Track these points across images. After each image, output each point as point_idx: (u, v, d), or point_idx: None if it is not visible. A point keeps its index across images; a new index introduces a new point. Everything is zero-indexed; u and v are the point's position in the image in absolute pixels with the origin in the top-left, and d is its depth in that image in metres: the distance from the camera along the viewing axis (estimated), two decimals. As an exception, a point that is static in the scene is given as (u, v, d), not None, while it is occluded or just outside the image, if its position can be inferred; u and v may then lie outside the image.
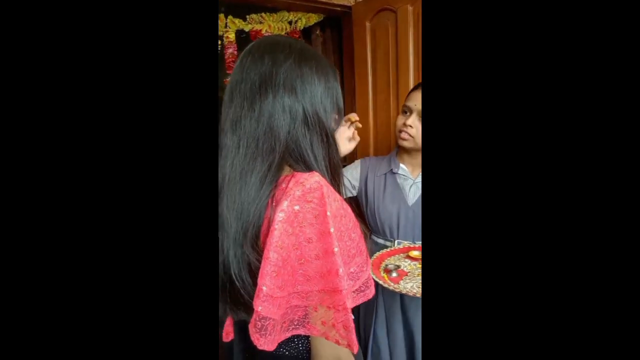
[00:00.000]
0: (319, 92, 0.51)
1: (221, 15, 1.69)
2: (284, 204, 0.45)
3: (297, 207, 0.45)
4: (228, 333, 0.62)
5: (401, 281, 0.85)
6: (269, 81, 0.49)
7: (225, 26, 1.69)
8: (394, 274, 0.87)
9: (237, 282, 0.48)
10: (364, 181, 1.15)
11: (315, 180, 0.46)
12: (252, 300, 0.46)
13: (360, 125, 0.91)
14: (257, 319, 0.45)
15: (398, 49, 1.40)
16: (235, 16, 1.69)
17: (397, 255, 1.00)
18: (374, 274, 0.85)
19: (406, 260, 0.96)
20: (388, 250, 1.01)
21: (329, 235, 0.45)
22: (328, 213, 0.45)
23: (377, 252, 1.00)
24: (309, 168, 0.50)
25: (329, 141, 0.52)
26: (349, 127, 0.90)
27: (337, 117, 0.57)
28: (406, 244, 1.04)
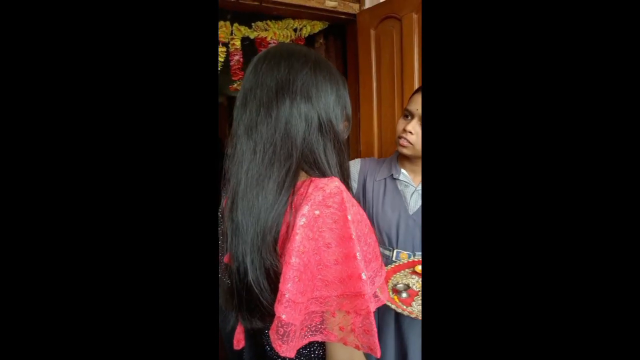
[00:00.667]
0: (331, 100, 0.52)
1: (227, 23, 1.70)
2: (305, 209, 0.45)
3: (317, 212, 0.45)
4: (239, 341, 0.62)
5: (413, 302, 0.79)
6: (286, 87, 0.49)
7: (231, 33, 1.71)
8: (404, 295, 0.81)
9: (255, 289, 0.48)
10: (362, 184, 1.12)
11: (335, 185, 0.46)
12: (271, 306, 0.46)
13: None
14: (280, 325, 0.44)
15: (403, 57, 1.41)
16: (240, 24, 1.71)
17: (403, 272, 0.93)
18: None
19: (413, 276, 0.90)
20: (393, 266, 0.96)
21: (350, 240, 0.45)
22: (349, 217, 0.45)
23: None
24: (323, 174, 0.50)
25: (341, 147, 0.53)
26: None
27: (346, 124, 0.57)
28: (405, 254, 1.00)
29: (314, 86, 0.50)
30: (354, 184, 1.12)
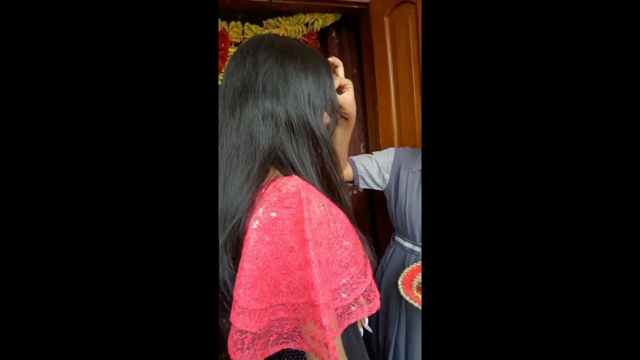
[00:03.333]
0: (305, 91, 0.48)
1: (238, 23, 1.69)
2: (260, 211, 0.42)
3: (273, 214, 0.42)
4: None
5: None
6: (250, 86, 0.46)
7: (243, 33, 1.69)
8: None
9: (224, 294, 0.47)
10: (396, 175, 1.06)
11: (292, 184, 0.43)
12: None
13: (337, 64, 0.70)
14: (234, 332, 0.43)
15: (420, 43, 1.34)
16: (251, 22, 1.69)
17: None
18: (407, 295, 0.80)
19: None
20: (419, 264, 0.94)
21: (306, 243, 0.41)
22: (305, 217, 0.41)
23: (407, 268, 0.92)
24: (297, 174, 0.47)
25: (319, 144, 0.49)
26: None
27: (331, 114, 0.53)
28: None
29: (281, 79, 0.46)
30: (387, 175, 1.08)
